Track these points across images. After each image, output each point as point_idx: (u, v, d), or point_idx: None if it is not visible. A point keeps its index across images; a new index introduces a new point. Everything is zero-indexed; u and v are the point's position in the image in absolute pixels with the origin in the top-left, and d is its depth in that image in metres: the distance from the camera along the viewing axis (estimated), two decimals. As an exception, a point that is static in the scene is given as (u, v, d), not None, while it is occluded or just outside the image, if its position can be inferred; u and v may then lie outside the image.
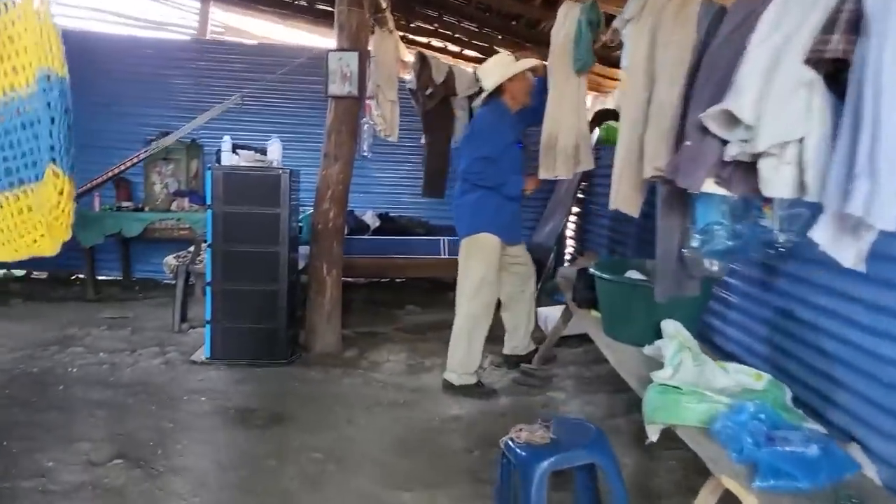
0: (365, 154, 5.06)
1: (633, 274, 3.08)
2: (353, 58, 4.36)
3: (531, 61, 3.96)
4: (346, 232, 4.85)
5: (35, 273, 6.77)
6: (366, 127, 4.99)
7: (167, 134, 6.22)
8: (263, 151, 4.43)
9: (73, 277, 6.66)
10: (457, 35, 6.96)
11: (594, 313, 3.42)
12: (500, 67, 3.91)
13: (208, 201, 4.17)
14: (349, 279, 4.82)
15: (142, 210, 6.31)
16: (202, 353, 4.28)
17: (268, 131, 6.36)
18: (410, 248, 6.05)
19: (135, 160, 5.82)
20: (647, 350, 2.77)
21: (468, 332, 3.89)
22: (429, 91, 5.01)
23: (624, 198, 2.44)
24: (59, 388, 3.66)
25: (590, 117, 4.72)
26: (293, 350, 4.41)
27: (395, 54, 5.06)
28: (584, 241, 6.69)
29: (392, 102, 4.94)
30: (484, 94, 3.99)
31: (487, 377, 4.12)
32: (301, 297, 4.68)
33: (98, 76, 6.48)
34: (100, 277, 6.54)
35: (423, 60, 5.04)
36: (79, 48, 6.53)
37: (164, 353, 4.31)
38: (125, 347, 4.42)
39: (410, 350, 4.69)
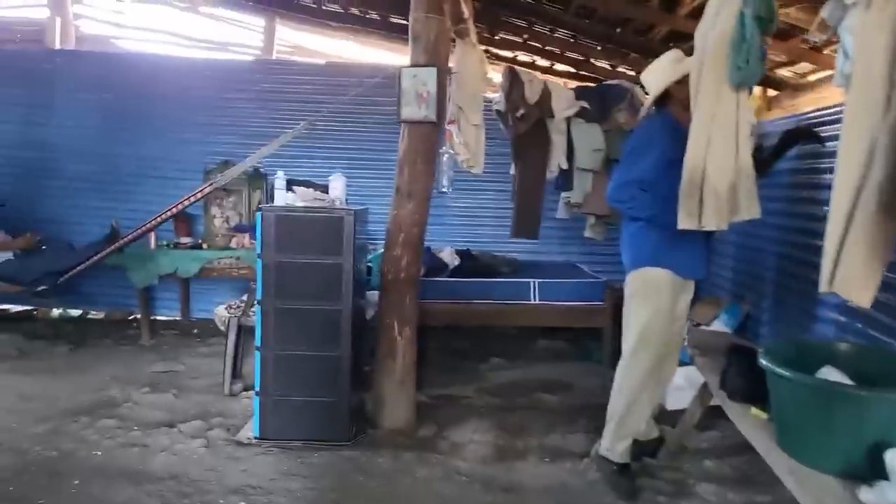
0: (444, 190, 4.27)
1: (831, 373, 2.14)
2: (430, 74, 3.59)
3: None
4: (421, 273, 4.09)
5: (92, 312, 6.38)
6: (445, 157, 4.20)
7: (227, 163, 5.73)
8: (325, 188, 3.74)
9: (131, 318, 6.22)
10: (547, 47, 6.14)
11: (756, 412, 2.51)
12: (665, 69, 3.01)
13: (258, 249, 3.50)
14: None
15: (200, 247, 5.77)
16: (250, 429, 3.60)
17: (337, 160, 5.81)
18: (495, 292, 5.20)
19: (197, 196, 5.30)
20: (867, 496, 1.86)
21: (629, 392, 3.07)
22: (520, 112, 4.21)
23: (853, 277, 1.54)
24: (75, 484, 3.00)
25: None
26: (357, 426, 3.66)
27: (480, 70, 4.25)
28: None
29: (476, 127, 4.12)
30: (647, 104, 3.14)
31: (594, 473, 3.24)
32: (368, 354, 3.95)
33: (156, 101, 6.12)
34: (159, 317, 6.19)
35: (513, 77, 4.25)
36: (135, 72, 6.28)
37: (207, 430, 3.62)
38: (164, 419, 3.77)
39: (498, 425, 3.86)
